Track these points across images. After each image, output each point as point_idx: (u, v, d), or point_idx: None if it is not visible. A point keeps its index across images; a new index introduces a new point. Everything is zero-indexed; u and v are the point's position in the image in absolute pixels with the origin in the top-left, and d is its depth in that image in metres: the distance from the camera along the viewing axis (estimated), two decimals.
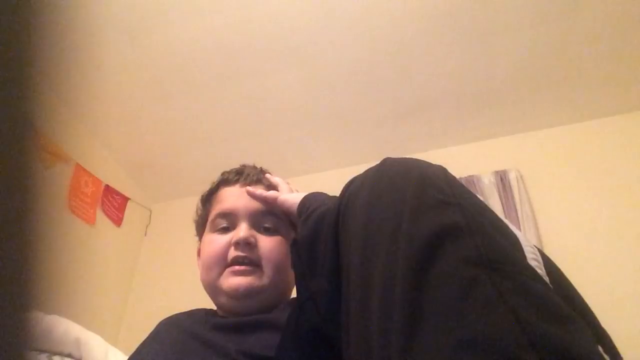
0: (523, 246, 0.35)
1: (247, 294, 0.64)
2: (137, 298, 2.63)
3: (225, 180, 0.76)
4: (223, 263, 0.66)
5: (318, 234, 0.48)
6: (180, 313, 0.71)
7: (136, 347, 0.65)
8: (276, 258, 0.67)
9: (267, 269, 0.66)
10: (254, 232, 0.69)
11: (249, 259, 0.66)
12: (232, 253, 0.66)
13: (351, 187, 0.45)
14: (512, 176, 2.22)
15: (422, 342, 0.29)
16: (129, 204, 2.69)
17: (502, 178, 2.23)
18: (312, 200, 0.62)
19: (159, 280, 2.64)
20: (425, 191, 0.37)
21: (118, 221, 2.59)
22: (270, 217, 0.71)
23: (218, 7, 1.87)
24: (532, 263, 0.33)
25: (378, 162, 0.46)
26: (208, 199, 0.77)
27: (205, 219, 0.75)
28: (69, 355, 0.84)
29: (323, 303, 0.45)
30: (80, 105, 2.28)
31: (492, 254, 0.31)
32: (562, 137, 2.32)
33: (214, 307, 0.73)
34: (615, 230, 2.01)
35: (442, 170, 0.41)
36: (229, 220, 0.70)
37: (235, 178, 0.75)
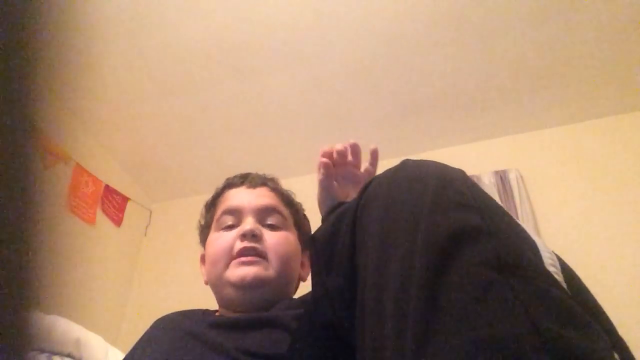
0: (541, 252, 0.35)
1: (253, 283, 0.65)
2: (137, 298, 2.63)
3: (230, 183, 0.79)
4: (229, 256, 0.67)
5: (336, 232, 0.48)
6: (175, 312, 0.71)
7: None
8: (282, 251, 0.69)
9: (274, 261, 0.67)
10: (260, 227, 0.70)
11: (256, 250, 0.67)
12: (239, 245, 0.67)
13: (369, 187, 0.45)
14: (512, 176, 2.22)
15: (437, 341, 0.29)
16: (129, 204, 2.69)
17: (502, 178, 2.23)
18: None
19: (159, 280, 2.64)
20: (444, 193, 0.37)
21: (118, 221, 2.59)
22: (275, 214, 0.73)
23: (218, 7, 1.87)
24: (550, 269, 0.33)
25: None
26: (213, 202, 0.79)
27: (210, 221, 0.77)
28: (69, 355, 0.84)
29: (338, 300, 0.45)
30: (80, 105, 2.28)
31: (510, 258, 0.31)
32: (562, 137, 2.32)
33: (214, 307, 0.73)
34: (616, 230, 2.01)
35: (462, 173, 0.41)
36: (235, 217, 0.72)
37: (241, 181, 0.78)
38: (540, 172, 2.25)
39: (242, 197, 0.74)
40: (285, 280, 0.69)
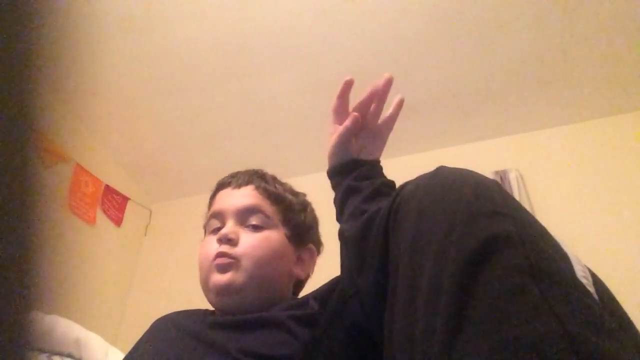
0: (573, 264, 0.36)
1: (227, 290, 0.65)
2: (137, 298, 2.63)
3: (220, 184, 0.79)
4: (210, 261, 0.68)
5: (367, 234, 0.49)
6: (175, 312, 0.71)
7: None
8: (257, 254, 0.67)
9: (247, 265, 0.66)
10: (238, 229, 0.69)
11: (229, 255, 0.66)
12: (216, 250, 0.68)
13: (403, 191, 0.46)
14: (512, 176, 2.22)
15: (465, 340, 0.30)
16: (129, 204, 2.69)
17: (502, 178, 2.22)
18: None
19: (159, 280, 2.64)
20: (479, 201, 0.38)
21: (118, 221, 2.59)
22: (257, 214, 0.71)
23: (218, 7, 1.87)
24: (582, 280, 0.34)
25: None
26: (208, 204, 0.80)
27: (205, 224, 0.78)
28: (69, 355, 0.84)
29: (369, 300, 0.46)
30: (80, 105, 2.28)
31: (542, 265, 0.32)
32: (562, 137, 2.32)
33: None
34: (616, 229, 2.01)
35: (497, 184, 0.42)
36: (220, 221, 0.72)
37: (228, 181, 0.78)
38: (540, 172, 2.25)
39: (226, 200, 0.74)
40: (265, 282, 0.67)
